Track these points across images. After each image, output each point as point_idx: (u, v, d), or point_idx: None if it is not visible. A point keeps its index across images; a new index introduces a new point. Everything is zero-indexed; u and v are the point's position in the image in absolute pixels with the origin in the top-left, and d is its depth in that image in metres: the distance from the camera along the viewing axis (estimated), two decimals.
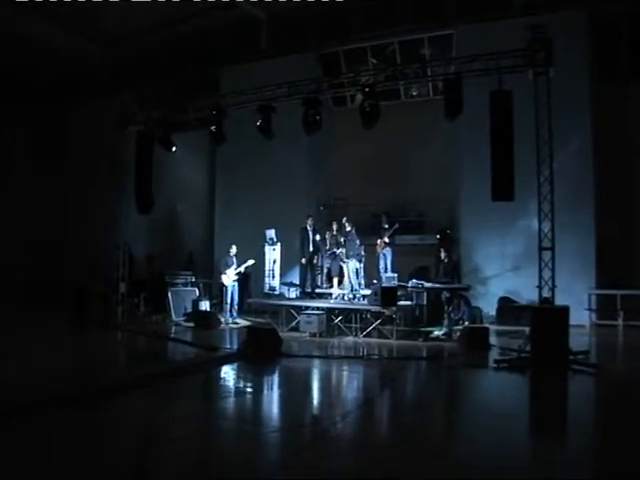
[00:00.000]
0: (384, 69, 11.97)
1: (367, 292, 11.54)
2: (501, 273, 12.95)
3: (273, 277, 13.50)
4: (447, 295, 10.85)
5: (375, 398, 6.78)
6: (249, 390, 6.97)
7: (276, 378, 7.94)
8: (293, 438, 4.86)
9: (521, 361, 7.97)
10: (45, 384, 6.08)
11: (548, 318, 8.05)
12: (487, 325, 11.04)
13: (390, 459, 4.25)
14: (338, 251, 12.38)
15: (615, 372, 7.76)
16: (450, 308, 10.79)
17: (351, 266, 12.02)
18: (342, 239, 12.25)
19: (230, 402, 6.28)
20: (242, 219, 15.49)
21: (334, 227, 12.78)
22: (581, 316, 11.53)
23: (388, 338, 10.36)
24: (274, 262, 13.47)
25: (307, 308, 11.33)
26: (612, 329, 11.73)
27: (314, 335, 10.70)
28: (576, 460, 4.27)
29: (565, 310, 8.03)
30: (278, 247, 13.46)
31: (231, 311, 12.56)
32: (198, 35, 16.69)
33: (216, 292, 14.91)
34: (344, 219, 12.54)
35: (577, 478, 3.90)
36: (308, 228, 12.88)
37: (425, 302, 11.19)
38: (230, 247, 12.65)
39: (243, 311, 13.24)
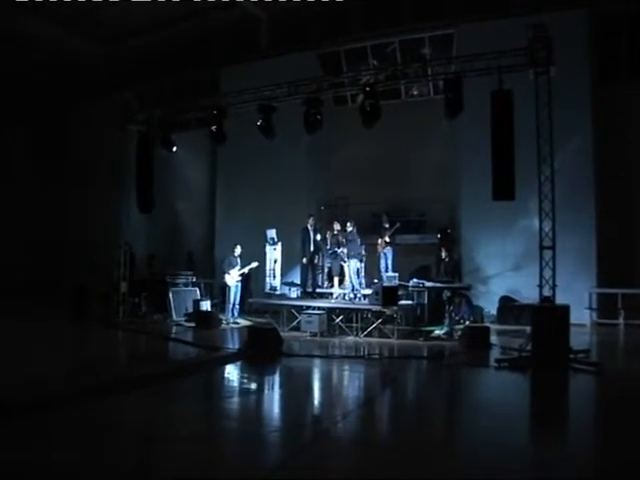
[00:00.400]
0: (385, 69, 11.97)
1: (368, 292, 11.54)
2: (502, 272, 12.94)
3: (274, 277, 13.51)
4: (448, 294, 10.85)
5: (376, 398, 6.77)
6: (250, 390, 6.98)
7: (277, 378, 7.95)
8: (294, 438, 4.86)
9: (522, 360, 7.98)
10: (45, 383, 6.09)
11: (549, 317, 8.06)
12: (488, 324, 11.05)
13: (391, 459, 4.25)
14: (339, 250, 12.38)
15: (616, 371, 7.75)
16: (451, 307, 10.79)
17: (352, 266, 12.01)
18: (343, 239, 12.24)
19: (231, 402, 6.29)
20: (243, 219, 15.48)
21: (335, 227, 12.77)
22: (582, 315, 11.52)
23: (389, 337, 10.37)
24: (275, 262, 13.47)
25: (308, 308, 11.34)
26: (613, 328, 11.73)
27: (315, 335, 10.70)
28: (577, 459, 4.27)
29: (566, 309, 8.03)
30: (279, 247, 13.46)
31: (232, 311, 12.57)
32: (198, 35, 16.69)
33: (217, 292, 14.93)
34: (346, 219, 12.53)
35: (578, 478, 3.91)
36: (309, 228, 12.87)
37: (426, 301, 11.20)
38: (235, 247, 12.62)
39: (244, 311, 13.24)
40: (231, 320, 12.43)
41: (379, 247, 12.78)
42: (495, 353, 8.82)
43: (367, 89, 10.40)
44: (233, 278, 12.45)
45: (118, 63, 18.48)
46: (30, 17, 15.00)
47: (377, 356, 8.90)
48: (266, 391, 7.14)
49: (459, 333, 10.08)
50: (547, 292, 8.42)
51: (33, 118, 18.57)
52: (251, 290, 14.06)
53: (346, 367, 8.31)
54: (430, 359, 8.87)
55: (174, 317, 12.71)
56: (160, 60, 17.65)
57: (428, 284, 11.06)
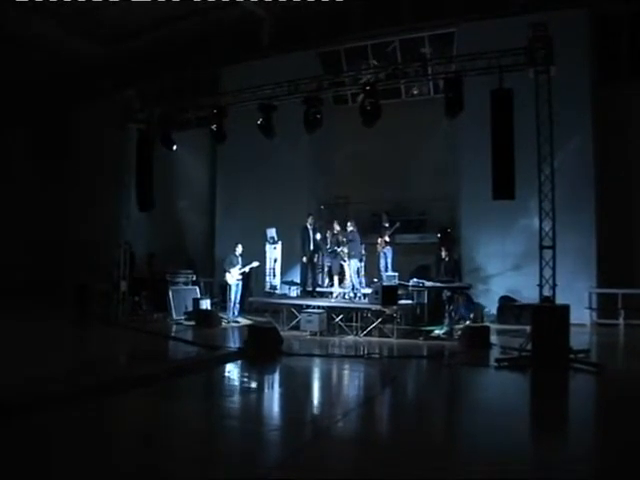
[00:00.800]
0: (385, 68, 11.96)
1: (368, 291, 11.55)
2: (502, 272, 12.93)
3: (274, 276, 13.52)
4: (448, 294, 10.85)
5: (376, 397, 6.78)
6: (250, 389, 6.99)
7: (277, 377, 7.96)
8: (294, 437, 4.87)
9: (522, 360, 7.98)
10: (46, 382, 6.09)
11: (549, 317, 8.06)
12: (488, 324, 11.06)
13: (390, 458, 4.25)
14: (339, 249, 12.38)
15: (616, 371, 7.75)
16: (451, 307, 10.79)
17: (352, 265, 12.02)
18: (344, 238, 12.23)
19: (231, 401, 6.29)
20: (243, 218, 15.48)
21: (335, 226, 12.77)
22: (582, 315, 11.51)
23: (389, 337, 10.37)
24: (275, 261, 13.48)
25: (308, 307, 11.34)
26: (613, 328, 11.72)
27: (315, 334, 10.70)
28: (577, 460, 4.27)
29: (566, 309, 8.04)
30: (279, 246, 13.47)
31: (233, 310, 12.58)
32: (199, 34, 16.65)
33: (217, 291, 14.94)
34: (347, 218, 12.52)
35: (578, 478, 3.91)
36: (308, 227, 12.87)
37: (426, 301, 11.21)
38: (236, 246, 12.64)
39: (244, 310, 13.24)
40: (231, 319, 12.44)
41: (379, 246, 12.78)
42: (495, 353, 8.82)
43: (367, 88, 10.39)
44: (233, 277, 12.46)
45: (119, 62, 18.44)
46: (30, 17, 14.99)
47: (377, 355, 8.90)
48: (266, 390, 7.15)
49: (459, 333, 10.08)
50: (547, 292, 8.43)
51: (33, 118, 18.56)
52: (251, 289, 14.07)
53: (346, 366, 8.32)
54: (430, 359, 8.88)
55: (174, 316, 12.72)
56: (161, 59, 17.61)
57: (428, 283, 11.06)
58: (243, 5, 15.34)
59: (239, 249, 12.60)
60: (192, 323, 12.19)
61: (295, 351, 9.18)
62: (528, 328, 8.53)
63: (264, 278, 13.59)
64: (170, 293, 12.93)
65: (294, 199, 14.67)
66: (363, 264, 12.50)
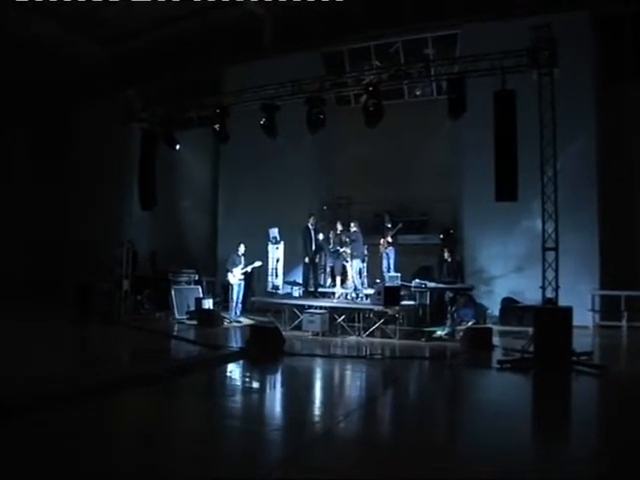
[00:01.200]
0: (388, 68, 11.96)
1: (370, 292, 11.55)
2: (504, 273, 12.91)
3: (276, 276, 13.53)
4: (450, 295, 10.84)
5: (378, 398, 6.78)
6: (252, 388, 6.99)
7: (279, 377, 7.96)
8: (295, 437, 4.87)
9: (524, 362, 7.97)
10: (46, 381, 6.10)
11: (551, 319, 8.04)
12: (490, 325, 11.05)
13: (392, 459, 4.25)
14: (341, 250, 12.39)
15: (619, 373, 7.74)
16: (453, 308, 10.78)
17: (355, 266, 12.01)
18: (347, 239, 12.23)
19: (233, 400, 6.30)
20: (245, 217, 15.48)
21: (338, 226, 12.77)
22: (584, 317, 11.49)
23: (391, 338, 10.37)
24: (277, 261, 13.49)
25: (310, 307, 11.34)
26: (616, 330, 11.69)
27: (317, 334, 10.70)
28: (578, 461, 4.26)
29: (568, 311, 8.02)
30: (281, 246, 13.48)
31: (235, 309, 12.60)
32: (201, 33, 16.66)
33: (219, 290, 14.96)
34: (350, 219, 12.53)
35: (579, 479, 3.91)
36: (310, 227, 12.88)
37: (428, 302, 11.20)
38: (239, 246, 12.66)
39: (246, 309, 13.26)
40: (233, 319, 12.45)
41: (381, 247, 12.78)
42: (497, 354, 8.81)
43: (370, 89, 10.39)
44: (236, 277, 12.48)
45: (119, 62, 18.48)
46: (30, 17, 15.02)
47: (379, 356, 8.90)
48: (268, 390, 7.16)
49: (461, 334, 10.07)
50: (550, 293, 8.41)
51: (36, 117, 18.59)
52: (253, 289, 14.09)
53: (348, 367, 8.32)
54: (432, 360, 8.88)
55: (176, 315, 12.76)
56: (161, 59, 17.62)
57: (430, 284, 11.06)
58: (244, 5, 15.35)
59: (241, 249, 12.62)
60: (194, 322, 12.21)
61: (297, 351, 9.18)
62: (530, 330, 8.52)
63: (266, 278, 13.60)
64: (172, 292, 12.96)
65: (297, 199, 14.68)
66: (365, 265, 12.49)
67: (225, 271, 12.92)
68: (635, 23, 12.94)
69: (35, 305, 14.54)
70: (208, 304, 13.12)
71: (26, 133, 18.83)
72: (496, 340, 9.82)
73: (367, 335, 10.63)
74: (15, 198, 17.72)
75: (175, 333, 11.17)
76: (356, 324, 10.96)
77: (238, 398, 6.44)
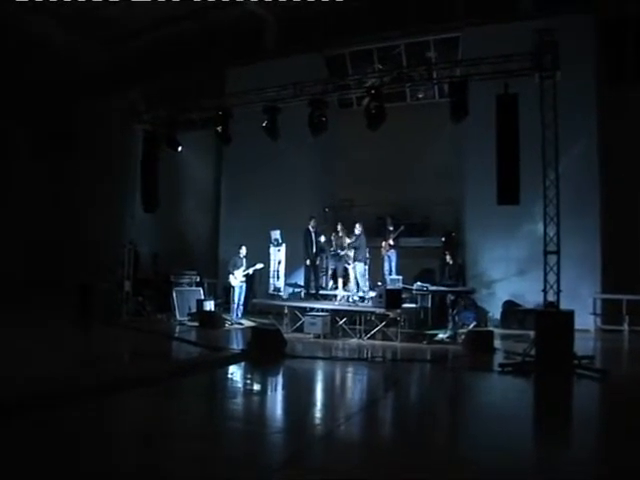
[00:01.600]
0: (390, 71, 11.98)
1: (372, 294, 11.54)
2: (506, 276, 12.91)
3: (278, 278, 13.52)
4: (452, 298, 10.83)
5: (379, 400, 6.77)
6: (253, 391, 6.98)
7: (280, 379, 7.96)
8: (296, 439, 4.86)
9: (526, 365, 7.96)
10: (47, 382, 6.10)
11: (553, 322, 8.03)
12: (492, 328, 11.04)
13: (393, 462, 4.24)
14: (342, 252, 12.38)
15: (620, 377, 7.72)
16: (455, 311, 10.77)
17: (359, 269, 12.00)
18: (351, 241, 12.19)
19: (233, 402, 6.29)
20: (247, 219, 15.49)
21: (339, 228, 12.76)
22: (586, 321, 11.47)
23: (392, 340, 10.36)
24: (279, 263, 13.49)
25: (312, 309, 11.33)
26: (617, 334, 11.68)
27: (318, 337, 10.69)
28: (580, 465, 4.25)
29: (570, 314, 8.01)
30: (283, 248, 13.48)
31: (236, 311, 12.59)
32: (203, 35, 16.72)
33: (221, 292, 14.95)
34: (355, 221, 12.52)
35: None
36: (311, 229, 12.87)
37: (430, 305, 11.18)
38: (240, 248, 12.66)
39: (247, 311, 13.26)
40: (235, 320, 12.45)
41: (383, 250, 12.77)
42: (499, 357, 8.80)
43: (372, 91, 10.41)
44: (237, 279, 12.48)
45: (120, 63, 18.52)
46: (31, 17, 15.06)
47: (380, 359, 8.91)
48: (269, 392, 7.15)
49: (463, 337, 10.06)
50: (551, 297, 8.40)
51: (38, 118, 18.63)
52: (255, 291, 14.09)
53: (349, 369, 8.30)
54: (433, 363, 8.86)
55: (177, 316, 12.76)
56: (164, 60, 17.67)
57: (432, 287, 11.04)
58: (248, 6, 15.38)
59: (243, 251, 12.62)
60: (195, 324, 12.22)
61: (298, 353, 9.17)
62: (532, 333, 8.50)
63: (268, 280, 13.60)
64: (174, 294, 12.97)
65: (298, 201, 14.69)
66: (367, 267, 12.49)
67: (227, 273, 12.92)
68: (638, 25, 12.94)
69: (36, 305, 14.55)
70: (209, 306, 13.11)
71: (27, 133, 18.87)
72: (497, 343, 9.80)
73: (368, 338, 10.63)
74: (16, 198, 17.76)
75: (176, 334, 11.17)
76: (357, 327, 10.96)
77: (239, 400, 6.43)
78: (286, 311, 11.93)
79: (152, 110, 13.23)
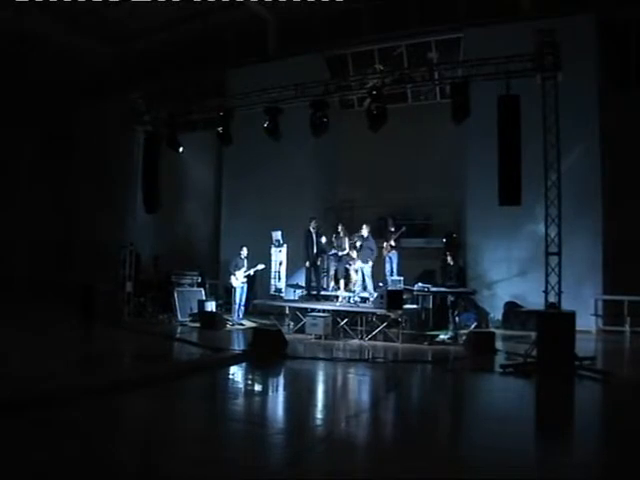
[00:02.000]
0: (391, 72, 11.97)
1: (373, 295, 11.54)
2: (507, 277, 12.91)
3: (279, 279, 13.52)
4: (452, 299, 10.82)
5: (380, 401, 6.77)
6: (254, 391, 6.98)
7: (281, 380, 7.95)
8: (297, 440, 4.86)
9: (527, 366, 7.95)
10: (47, 381, 6.11)
11: (554, 323, 8.03)
12: (493, 329, 11.03)
13: (393, 462, 4.24)
14: (341, 253, 12.37)
15: (622, 378, 7.70)
16: (456, 312, 10.76)
17: (367, 270, 11.98)
18: (360, 242, 12.15)
19: (235, 403, 6.29)
20: (249, 220, 15.51)
21: (339, 229, 12.75)
22: (587, 322, 11.48)
23: (394, 341, 10.35)
24: (280, 264, 13.49)
25: (313, 310, 11.33)
26: (619, 335, 11.67)
27: (319, 337, 10.69)
28: (580, 466, 4.25)
29: (571, 315, 8.00)
30: (284, 249, 13.48)
31: (237, 312, 12.60)
32: (205, 36, 16.74)
33: (222, 293, 14.96)
34: (363, 222, 12.51)
35: None
36: (311, 230, 12.85)
37: (431, 306, 11.17)
38: (241, 249, 12.66)
39: (249, 312, 13.26)
40: (236, 321, 12.45)
41: (384, 251, 12.76)
42: (500, 358, 8.79)
43: (374, 92, 10.41)
44: (238, 279, 12.48)
45: (123, 64, 18.55)
46: (37, 16, 15.09)
47: (381, 360, 8.89)
48: (270, 393, 7.14)
49: (464, 338, 10.05)
50: (553, 298, 8.40)
51: (40, 119, 18.66)
52: (256, 292, 14.10)
53: (350, 370, 8.29)
54: (434, 363, 8.85)
55: (179, 317, 12.76)
56: (166, 61, 17.72)
57: (433, 288, 11.04)
58: (250, 7, 15.40)
59: (244, 252, 12.62)
60: (197, 325, 12.22)
61: (299, 354, 9.16)
62: (533, 334, 8.49)
63: (269, 281, 13.60)
64: (175, 295, 12.96)
65: (300, 202, 14.70)
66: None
67: (228, 274, 12.92)
68: (639, 27, 12.93)
69: (38, 305, 14.58)
70: (211, 307, 13.11)
71: (32, 134, 18.90)
72: (499, 344, 9.80)
73: (370, 339, 10.62)
74: (19, 199, 17.79)
75: (178, 335, 11.17)
76: (359, 327, 10.96)
77: (240, 401, 6.43)
78: (287, 312, 11.93)
79: (153, 111, 13.23)
